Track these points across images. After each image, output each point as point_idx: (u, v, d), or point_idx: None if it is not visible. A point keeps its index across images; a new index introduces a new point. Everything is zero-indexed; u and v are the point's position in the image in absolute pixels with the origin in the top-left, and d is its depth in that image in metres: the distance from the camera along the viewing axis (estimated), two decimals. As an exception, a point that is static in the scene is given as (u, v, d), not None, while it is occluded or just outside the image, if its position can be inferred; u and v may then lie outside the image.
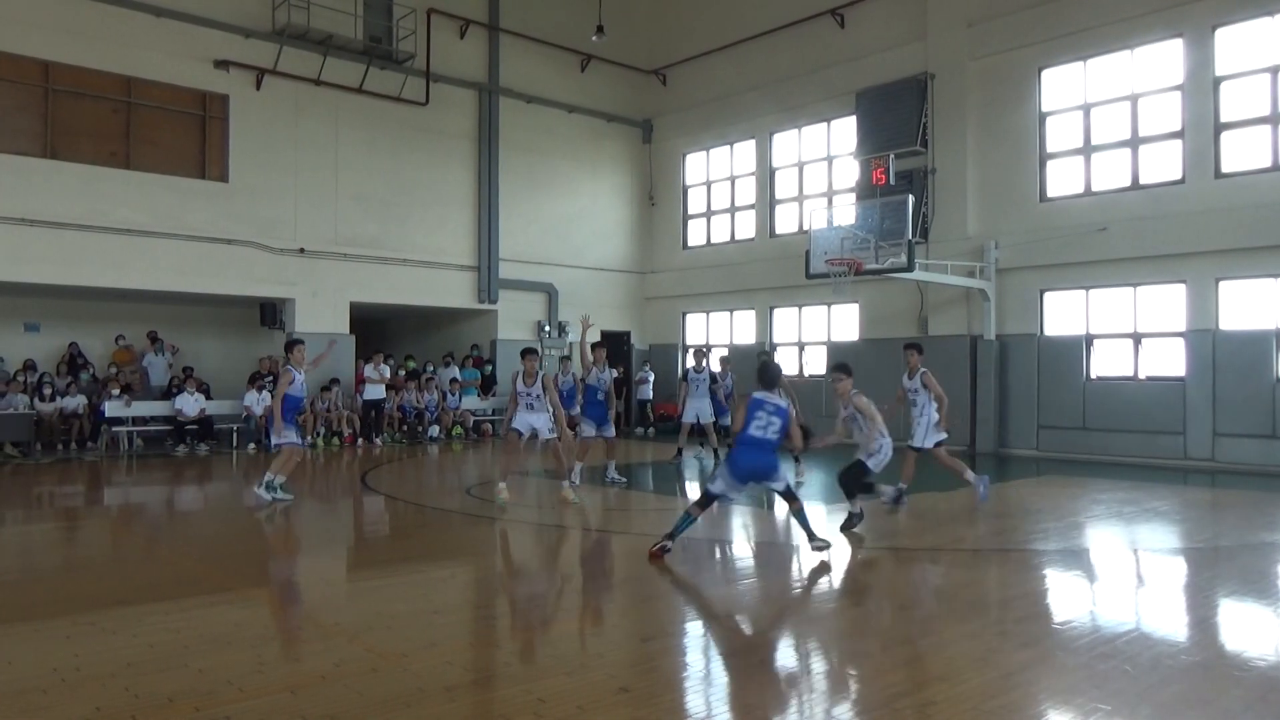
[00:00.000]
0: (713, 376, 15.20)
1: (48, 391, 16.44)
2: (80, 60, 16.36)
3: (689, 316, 23.66)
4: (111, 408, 16.50)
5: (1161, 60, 15.49)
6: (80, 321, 18.39)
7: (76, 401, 16.69)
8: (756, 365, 8.09)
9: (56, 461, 15.07)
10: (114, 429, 16.63)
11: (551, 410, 10.38)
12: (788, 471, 7.67)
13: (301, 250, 18.61)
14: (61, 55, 16.18)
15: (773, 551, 8.16)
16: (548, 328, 22.30)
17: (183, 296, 18.05)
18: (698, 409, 14.82)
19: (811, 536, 7.43)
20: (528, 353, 10.36)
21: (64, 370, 17.53)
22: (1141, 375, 15.62)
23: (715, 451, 14.65)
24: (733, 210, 22.78)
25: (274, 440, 10.88)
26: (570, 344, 22.68)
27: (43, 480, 13.02)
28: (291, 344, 10.91)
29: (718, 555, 8.08)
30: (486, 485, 12.07)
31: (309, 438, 17.75)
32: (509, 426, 10.29)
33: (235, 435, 17.29)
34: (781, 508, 10.71)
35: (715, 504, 7.55)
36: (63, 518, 10.38)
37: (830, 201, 19.90)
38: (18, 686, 4.41)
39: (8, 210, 15.52)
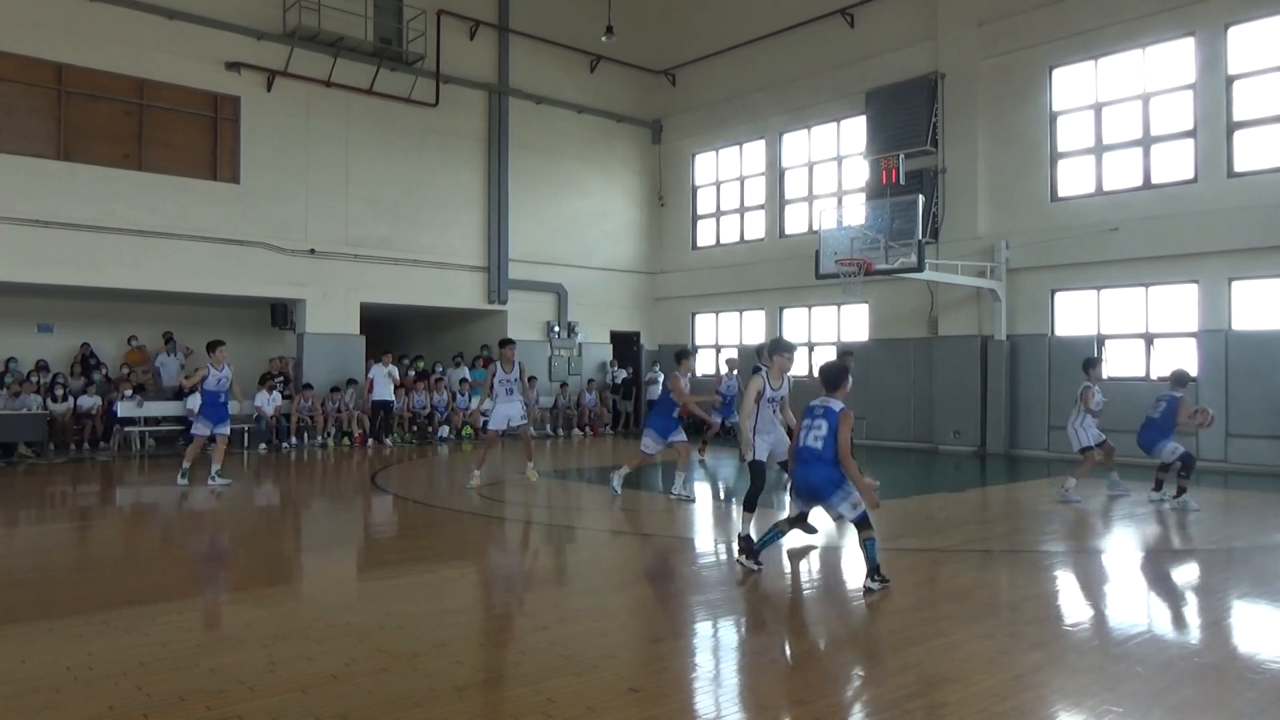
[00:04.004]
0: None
1: (60, 392, 16.56)
2: (93, 63, 16.47)
3: (698, 317, 23.65)
4: (124, 408, 16.61)
5: (1173, 59, 15.41)
6: (93, 322, 18.51)
7: (90, 402, 16.80)
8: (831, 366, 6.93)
9: (69, 461, 15.17)
10: (126, 429, 16.73)
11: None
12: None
13: (312, 251, 18.68)
14: (74, 58, 16.28)
15: (780, 553, 8.15)
16: (557, 328, 22.33)
17: (194, 297, 18.15)
18: None
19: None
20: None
21: (77, 371, 17.65)
22: (1153, 376, 15.53)
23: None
24: (742, 210, 22.75)
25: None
26: (580, 344, 22.72)
27: (56, 480, 13.10)
28: (213, 344, 12.16)
29: (725, 557, 8.07)
30: (496, 485, 12.09)
31: (320, 437, 17.86)
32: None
33: (246, 435, 17.35)
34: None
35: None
36: (76, 517, 10.44)
37: (840, 201, 19.86)
38: (32, 685, 4.44)
39: (22, 212, 15.63)
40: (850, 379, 6.71)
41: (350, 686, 4.42)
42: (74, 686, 4.41)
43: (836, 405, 6.45)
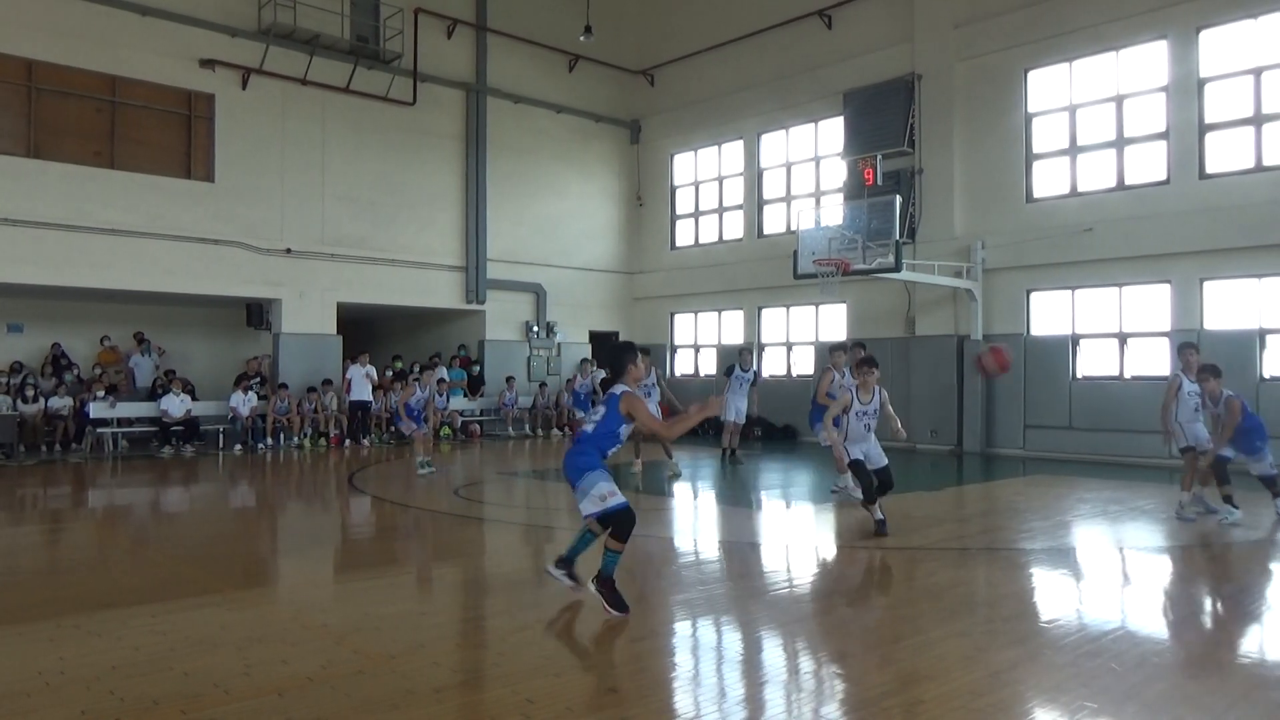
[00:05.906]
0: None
1: (30, 393, 16.32)
2: (64, 59, 16.24)
3: (677, 317, 23.67)
4: (96, 409, 16.40)
5: (1146, 62, 15.59)
6: (64, 322, 18.29)
7: (61, 403, 16.58)
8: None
9: (40, 463, 14.96)
10: (99, 430, 16.53)
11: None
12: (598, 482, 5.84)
13: (288, 250, 18.52)
14: (45, 54, 16.06)
15: (758, 552, 8.18)
16: (536, 328, 22.28)
17: (168, 297, 17.96)
18: (738, 407, 14.47)
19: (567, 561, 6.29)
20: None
21: (48, 371, 17.41)
22: (1127, 375, 15.71)
23: (734, 452, 14.70)
24: (720, 210, 22.79)
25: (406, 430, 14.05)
26: (558, 344, 22.67)
27: (26, 482, 12.91)
28: (426, 365, 14.72)
29: (704, 557, 8.08)
30: (474, 486, 12.04)
31: (296, 437, 17.75)
32: None
33: (221, 436, 17.20)
34: (776, 510, 10.71)
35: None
36: (47, 519, 10.29)
37: (818, 202, 19.95)
38: (1, 690, 4.37)
39: (-9, 210, 15.41)
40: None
41: (327, 689, 4.39)
42: (45, 692, 4.34)
43: (619, 389, 5.92)
